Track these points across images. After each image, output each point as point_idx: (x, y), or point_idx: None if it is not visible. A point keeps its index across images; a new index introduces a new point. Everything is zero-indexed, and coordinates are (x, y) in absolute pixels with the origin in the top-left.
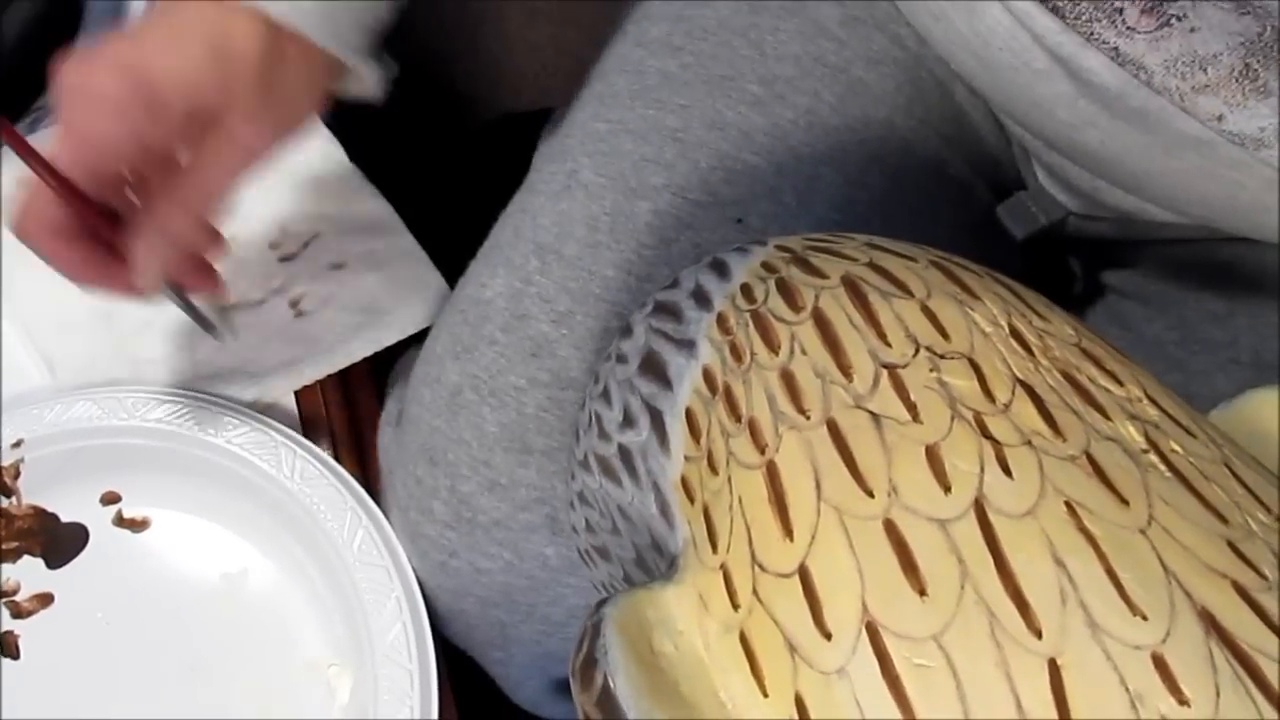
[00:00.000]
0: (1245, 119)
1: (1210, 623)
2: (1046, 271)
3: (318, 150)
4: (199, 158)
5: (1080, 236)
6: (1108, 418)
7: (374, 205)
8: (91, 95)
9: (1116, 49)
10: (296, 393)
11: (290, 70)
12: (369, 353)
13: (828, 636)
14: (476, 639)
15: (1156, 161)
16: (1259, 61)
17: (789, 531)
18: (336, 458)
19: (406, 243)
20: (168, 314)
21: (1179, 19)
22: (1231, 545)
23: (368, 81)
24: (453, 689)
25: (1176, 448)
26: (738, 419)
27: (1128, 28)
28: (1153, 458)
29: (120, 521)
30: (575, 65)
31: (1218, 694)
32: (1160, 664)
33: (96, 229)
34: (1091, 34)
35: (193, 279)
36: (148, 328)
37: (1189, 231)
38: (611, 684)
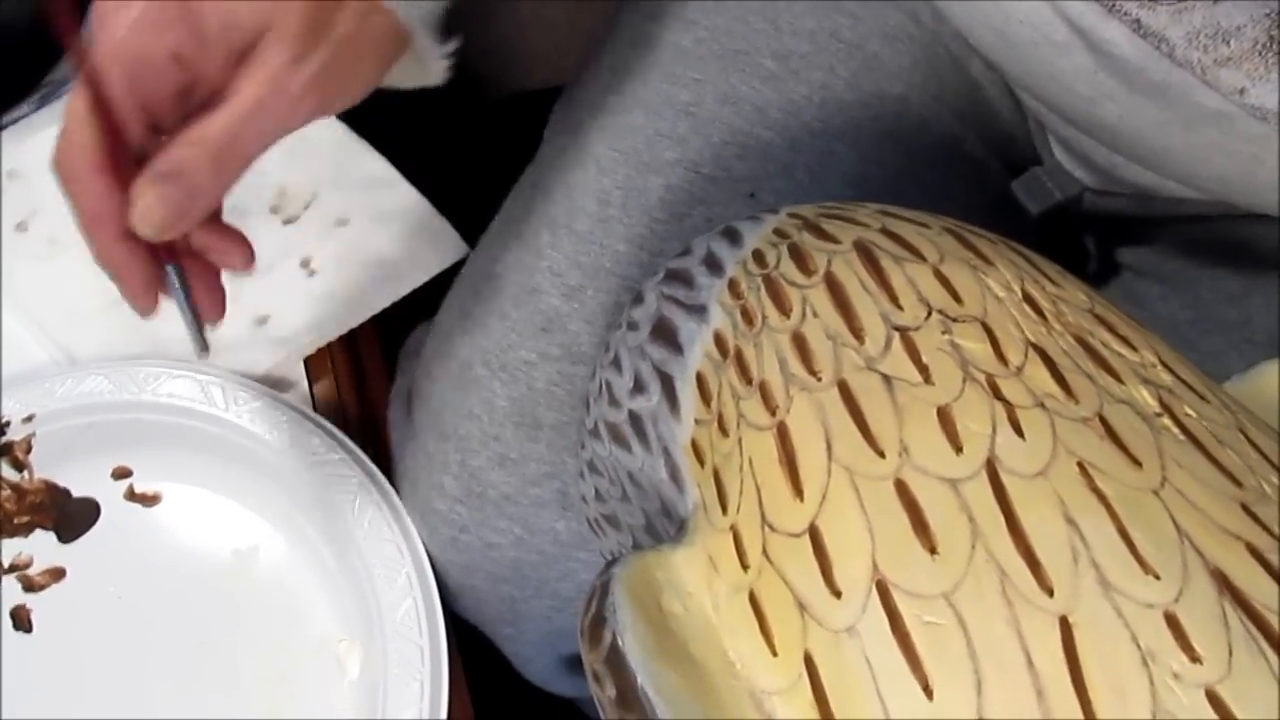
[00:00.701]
0: (1267, 92)
1: (1223, 582)
2: (1061, 249)
3: None
4: (228, 89)
5: (1096, 213)
6: (1121, 381)
7: (371, 162)
8: (127, 9)
9: (1138, 20)
10: (307, 368)
11: (345, 19)
12: (388, 303)
13: (838, 595)
14: (487, 614)
15: (1175, 137)
16: None
17: (799, 492)
18: (347, 433)
19: (409, 194)
20: None
21: None
22: (1245, 507)
23: (429, 62)
24: (463, 665)
25: (1190, 412)
26: (749, 382)
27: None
28: (1166, 421)
29: (132, 496)
30: (589, 44)
31: (1230, 652)
32: (1172, 622)
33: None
34: (1114, 6)
35: (200, 289)
36: (162, 305)
37: (1206, 208)
38: (620, 642)
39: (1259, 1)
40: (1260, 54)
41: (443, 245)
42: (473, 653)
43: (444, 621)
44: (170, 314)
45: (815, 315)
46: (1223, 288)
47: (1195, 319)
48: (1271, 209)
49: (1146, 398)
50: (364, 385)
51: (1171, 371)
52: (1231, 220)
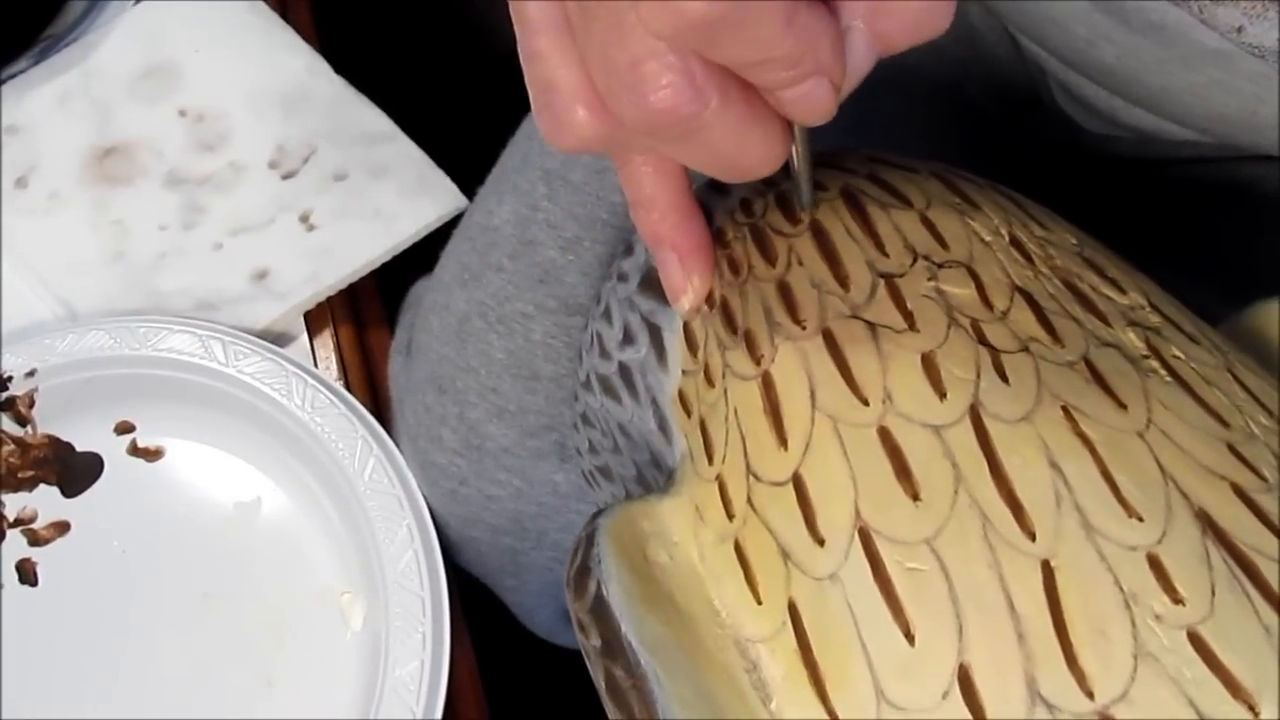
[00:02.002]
0: (1265, 30)
1: (1207, 523)
2: (1062, 193)
3: (303, 67)
4: None
5: (1097, 157)
6: (1108, 324)
7: (369, 115)
8: None
9: None
10: (308, 322)
11: None
12: (387, 257)
13: (820, 543)
14: (488, 566)
15: (1174, 76)
16: None
17: (783, 441)
18: (348, 387)
19: (407, 147)
20: (182, 243)
21: None
22: (1231, 447)
23: None
24: (466, 617)
25: (1178, 353)
26: (734, 331)
27: None
28: (1153, 363)
29: (134, 451)
30: None
31: (1213, 593)
32: (1155, 564)
33: None
34: None
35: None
36: (162, 259)
37: (1207, 150)
38: (605, 591)
39: None
40: None
41: (441, 198)
42: (476, 605)
43: (445, 573)
44: (171, 268)
45: (801, 264)
46: (1224, 228)
47: (1196, 261)
48: (1273, 149)
49: (1134, 340)
50: (364, 339)
51: (1160, 313)
52: (1232, 162)
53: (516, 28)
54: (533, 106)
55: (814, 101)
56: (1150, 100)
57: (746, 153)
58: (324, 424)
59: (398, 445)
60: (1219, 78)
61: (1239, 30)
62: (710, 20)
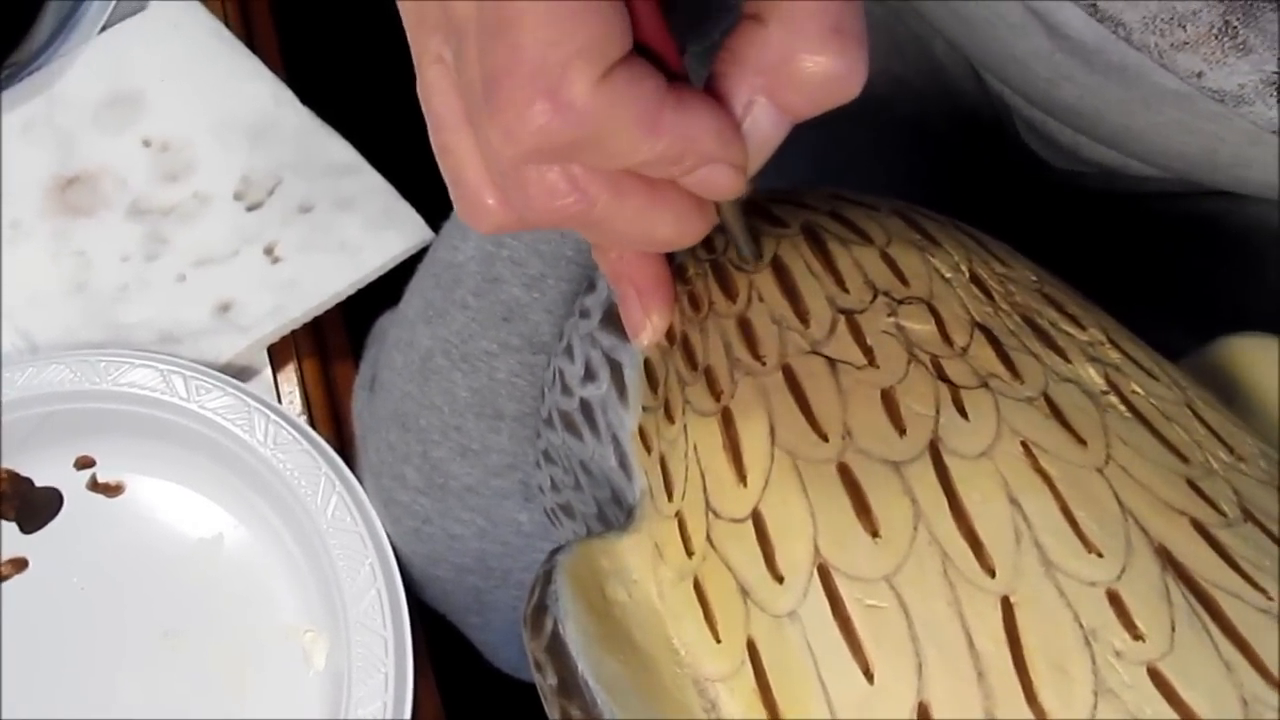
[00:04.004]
0: (1225, 76)
1: (1167, 559)
2: (1027, 228)
3: (269, 97)
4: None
5: (1062, 192)
6: (1067, 360)
7: (336, 147)
8: None
9: (1094, 4)
10: (271, 355)
11: None
12: (353, 290)
13: (779, 580)
14: (453, 604)
15: (1136, 116)
16: (1238, 18)
17: (743, 477)
18: (311, 422)
19: (373, 179)
20: (144, 275)
21: None
22: (1191, 483)
23: None
24: (431, 654)
25: (1137, 389)
26: (694, 367)
27: None
28: (1113, 398)
29: (94, 486)
30: None
31: (1173, 629)
32: (1115, 600)
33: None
34: None
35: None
36: (124, 291)
37: (1171, 186)
38: (561, 630)
39: None
40: (1216, 38)
41: (408, 230)
42: (441, 640)
43: (409, 612)
44: (133, 300)
45: (761, 300)
46: (1187, 263)
47: (1159, 295)
48: (1232, 186)
49: (1093, 376)
50: (329, 372)
51: (1120, 349)
52: (1195, 198)
53: (427, 122)
54: (450, 194)
55: (714, 186)
56: (1113, 138)
57: (657, 233)
58: (286, 460)
59: (361, 482)
60: (1180, 118)
61: (1199, 75)
62: (556, 144)
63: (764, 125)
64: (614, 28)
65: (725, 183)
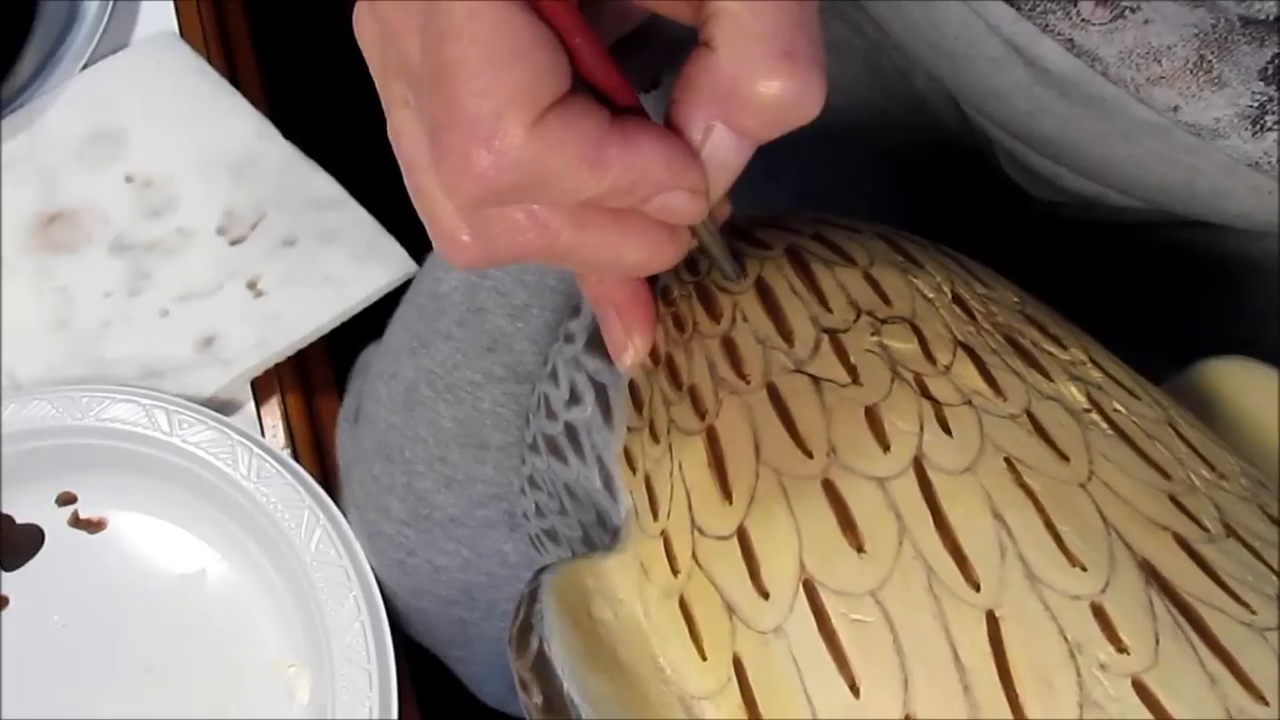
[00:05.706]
0: (1200, 110)
1: (1150, 573)
2: (1008, 257)
3: (253, 131)
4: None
5: (1042, 222)
6: (1050, 379)
7: (319, 180)
8: None
9: (1071, 40)
10: (255, 389)
11: None
12: (336, 323)
13: (765, 596)
14: (438, 637)
15: (1114, 147)
16: (1213, 53)
17: (728, 494)
18: (295, 455)
19: (356, 213)
20: (127, 310)
21: (1133, 11)
22: (1173, 499)
23: None
24: (416, 687)
25: (1119, 407)
26: (679, 387)
27: (1082, 20)
28: (1095, 416)
29: (76, 522)
30: None
31: (1157, 641)
32: (1099, 613)
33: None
34: (1046, 25)
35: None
36: (107, 327)
37: (1150, 216)
38: (547, 649)
39: (1189, 23)
40: (1191, 72)
41: (392, 263)
42: (425, 674)
43: (393, 646)
44: (116, 335)
45: (745, 320)
46: (1166, 292)
47: (1139, 323)
48: (1210, 216)
49: (1075, 394)
50: (313, 406)
51: (1101, 369)
52: (1174, 227)
53: (400, 163)
54: (428, 233)
55: (675, 212)
56: (1091, 169)
57: (627, 259)
58: (270, 494)
59: (345, 515)
60: (1157, 149)
61: (1175, 109)
62: (499, 190)
63: (723, 150)
64: (546, 71)
65: (685, 208)
